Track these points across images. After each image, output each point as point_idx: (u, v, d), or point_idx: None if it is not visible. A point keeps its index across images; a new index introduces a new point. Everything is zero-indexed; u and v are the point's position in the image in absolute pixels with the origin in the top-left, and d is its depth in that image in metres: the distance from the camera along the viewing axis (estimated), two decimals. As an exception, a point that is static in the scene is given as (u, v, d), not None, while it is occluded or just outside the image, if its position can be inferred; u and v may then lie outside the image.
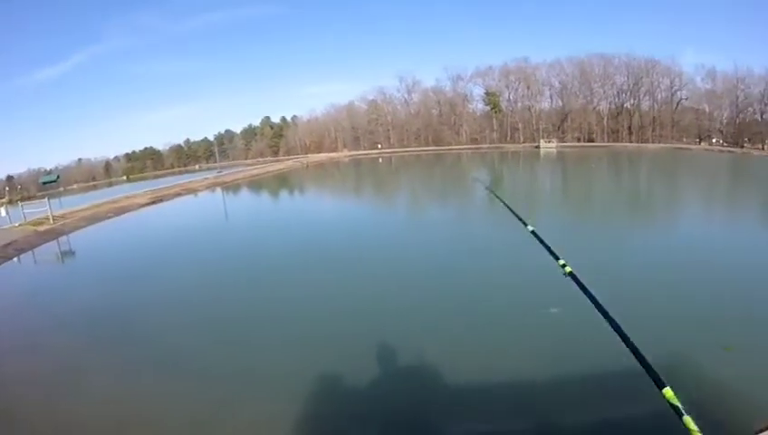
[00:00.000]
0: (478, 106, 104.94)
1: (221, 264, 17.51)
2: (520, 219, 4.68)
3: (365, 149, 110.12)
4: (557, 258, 3.24)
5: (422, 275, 13.19)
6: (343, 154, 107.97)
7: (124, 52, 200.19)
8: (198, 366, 8.88)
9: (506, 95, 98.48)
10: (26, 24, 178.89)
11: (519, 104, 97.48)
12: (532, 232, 4.07)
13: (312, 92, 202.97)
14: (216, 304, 12.68)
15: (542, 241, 3.71)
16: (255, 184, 55.98)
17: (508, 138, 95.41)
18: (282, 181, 56.50)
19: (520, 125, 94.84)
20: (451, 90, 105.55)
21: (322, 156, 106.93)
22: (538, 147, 78.06)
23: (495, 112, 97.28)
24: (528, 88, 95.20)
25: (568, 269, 3.04)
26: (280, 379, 7.96)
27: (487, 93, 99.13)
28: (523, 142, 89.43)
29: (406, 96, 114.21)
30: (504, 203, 5.65)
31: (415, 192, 32.45)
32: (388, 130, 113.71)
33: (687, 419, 1.82)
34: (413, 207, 25.77)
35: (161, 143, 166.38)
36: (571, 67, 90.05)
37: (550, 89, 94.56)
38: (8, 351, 11.05)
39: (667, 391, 1.96)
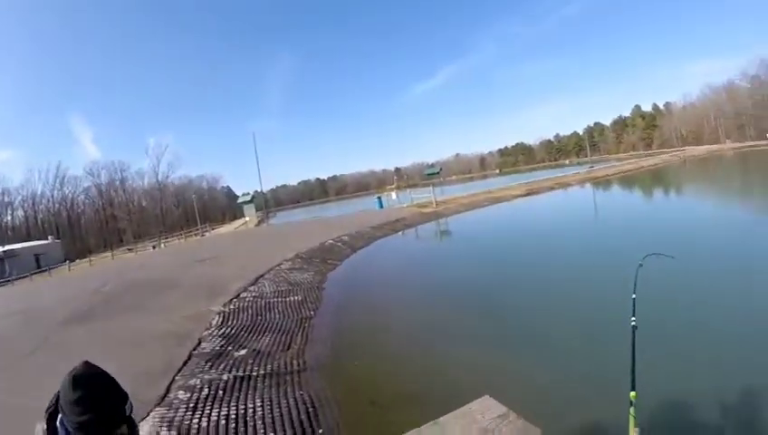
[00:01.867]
0: None
1: (582, 262, 16.04)
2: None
3: (752, 140, 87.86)
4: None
5: None
6: (726, 146, 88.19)
7: (494, 59, 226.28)
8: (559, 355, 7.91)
9: None
10: (408, 45, 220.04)
11: None
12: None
13: (685, 72, 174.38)
14: (574, 303, 11.34)
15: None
16: (627, 180, 51.89)
17: None
18: (656, 178, 50.74)
19: None
20: None
21: (702, 148, 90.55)
22: None
23: None
24: None
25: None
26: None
27: None
28: None
29: None
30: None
31: None
32: None
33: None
34: None
35: (532, 138, 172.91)
36: None
37: None
38: (388, 306, 12.07)
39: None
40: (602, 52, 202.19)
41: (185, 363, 7.44)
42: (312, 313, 10.80)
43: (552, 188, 48.90)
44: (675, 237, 16.92)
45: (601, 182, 52.45)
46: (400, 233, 27.40)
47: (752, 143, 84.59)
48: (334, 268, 17.00)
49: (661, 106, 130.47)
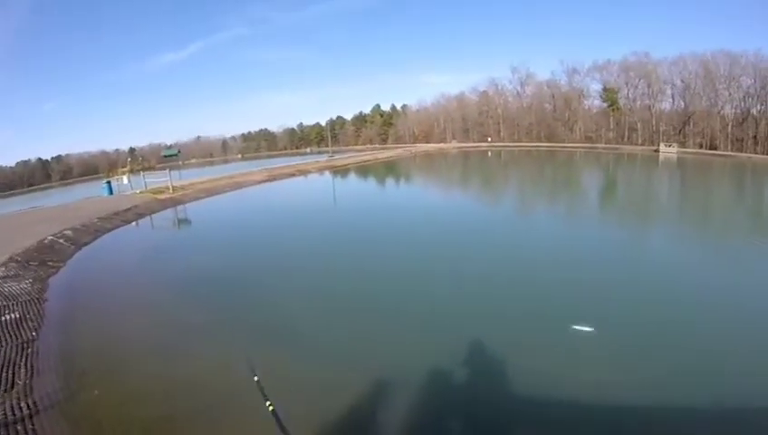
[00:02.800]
0: (595, 103, 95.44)
1: (325, 245, 17.10)
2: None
3: (474, 142, 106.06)
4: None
5: (509, 278, 11.80)
6: (451, 145, 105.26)
7: (240, 40, 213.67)
8: (293, 332, 8.91)
9: (625, 92, 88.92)
10: (153, 13, 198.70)
11: (638, 103, 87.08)
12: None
13: (422, 82, 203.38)
14: (313, 280, 12.64)
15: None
16: (364, 170, 55.71)
17: (625, 138, 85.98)
18: (389, 169, 55.92)
19: (638, 125, 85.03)
20: (566, 84, 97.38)
21: (430, 146, 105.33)
22: (657, 150, 69.10)
23: (613, 110, 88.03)
24: (649, 86, 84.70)
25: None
26: (375, 360, 7.67)
27: (605, 89, 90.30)
28: (642, 144, 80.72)
29: (518, 89, 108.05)
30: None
31: (521, 190, 30.14)
32: (499, 123, 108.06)
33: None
34: (517, 206, 23.73)
35: (275, 126, 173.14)
36: (694, 65, 79.02)
37: (672, 88, 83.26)
38: (122, 312, 11.25)
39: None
40: (351, 52, 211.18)
41: None
42: (34, 333, 9.38)
43: (293, 175, 50.29)
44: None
45: (340, 170, 55.20)
46: (134, 223, 25.42)
47: (473, 144, 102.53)
48: (57, 271, 15.05)
49: (398, 107, 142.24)
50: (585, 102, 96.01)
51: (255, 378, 4.10)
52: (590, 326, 8.27)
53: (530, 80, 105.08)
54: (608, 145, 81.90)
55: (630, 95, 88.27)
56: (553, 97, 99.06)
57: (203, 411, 6.45)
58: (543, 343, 8.04)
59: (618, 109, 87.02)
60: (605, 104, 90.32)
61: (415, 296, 10.70)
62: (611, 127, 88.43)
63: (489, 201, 26.78)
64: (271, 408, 3.46)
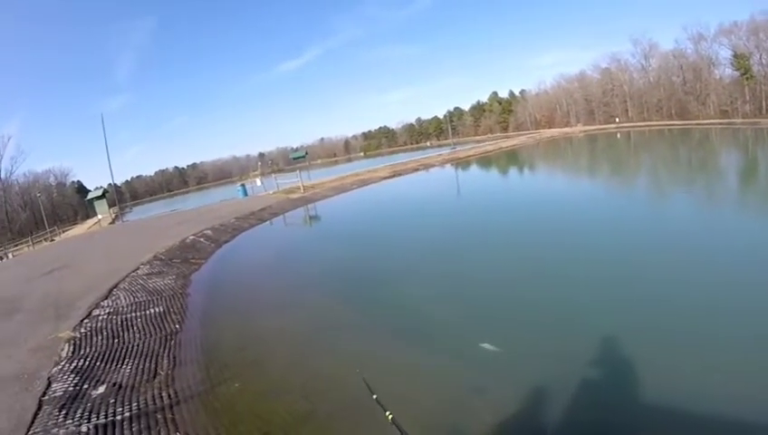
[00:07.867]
0: (726, 72, 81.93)
1: (454, 240, 16.04)
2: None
3: (600, 124, 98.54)
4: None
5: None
6: (577, 129, 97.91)
7: (353, 42, 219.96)
8: (441, 338, 8.00)
9: (757, 57, 75.87)
10: (271, 25, 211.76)
11: (773, 68, 72.82)
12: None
13: (539, 64, 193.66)
14: (447, 278, 11.60)
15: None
16: (487, 161, 53.91)
17: (764, 110, 72.40)
18: (513, 158, 53.57)
19: (776, 94, 70.45)
20: (693, 52, 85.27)
21: (554, 131, 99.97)
22: (802, 123, 55.32)
23: (747, 79, 75.36)
24: (782, 47, 70.37)
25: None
26: (521, 362, 6.72)
27: (735, 56, 77.88)
28: (782, 116, 65.98)
29: (642, 62, 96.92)
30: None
31: (658, 183, 26.35)
32: (625, 101, 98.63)
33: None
34: (654, 204, 20.34)
35: (394, 122, 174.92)
36: (831, 16, 64.71)
37: (808, 48, 67.39)
38: (261, 307, 11.19)
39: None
40: (461, 42, 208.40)
41: (35, 416, 5.93)
42: (177, 326, 9.48)
43: (416, 170, 50.07)
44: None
45: (462, 162, 54.13)
46: (268, 222, 26.26)
47: (600, 126, 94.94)
48: (198, 268, 15.52)
49: (517, 93, 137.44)
50: (716, 72, 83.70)
51: (374, 396, 3.57)
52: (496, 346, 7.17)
53: (654, 51, 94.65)
54: (745, 119, 71.31)
55: (764, 60, 75.75)
56: (681, 68, 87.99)
57: (342, 410, 5.99)
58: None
59: (752, 77, 75.17)
60: (737, 73, 78.59)
61: (560, 300, 9.21)
62: (747, 98, 76.62)
63: (630, 193, 23.97)
64: (390, 416, 2.98)
